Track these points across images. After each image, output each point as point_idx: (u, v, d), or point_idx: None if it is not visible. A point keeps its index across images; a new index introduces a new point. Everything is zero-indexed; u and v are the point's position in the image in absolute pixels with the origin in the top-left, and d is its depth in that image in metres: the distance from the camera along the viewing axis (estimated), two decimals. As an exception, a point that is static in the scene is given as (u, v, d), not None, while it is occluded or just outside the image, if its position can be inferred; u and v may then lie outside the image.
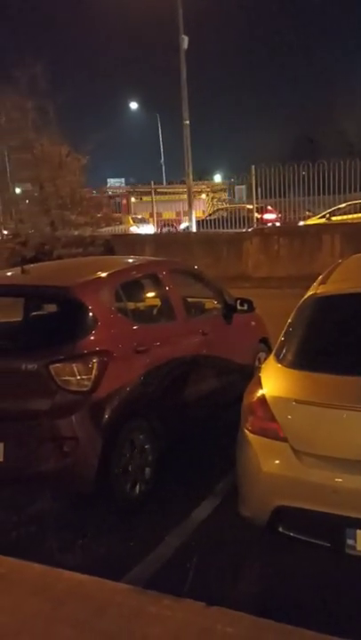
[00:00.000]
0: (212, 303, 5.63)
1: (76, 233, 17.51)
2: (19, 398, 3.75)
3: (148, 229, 20.92)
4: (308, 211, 18.49)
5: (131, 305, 4.58)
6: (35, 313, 5.06)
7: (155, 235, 19.29)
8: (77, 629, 2.60)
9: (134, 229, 22.52)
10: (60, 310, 4.33)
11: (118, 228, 20.83)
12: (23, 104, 17.26)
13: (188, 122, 19.09)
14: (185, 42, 18.25)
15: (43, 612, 2.73)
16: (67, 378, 3.66)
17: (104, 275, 4.34)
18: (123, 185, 25.75)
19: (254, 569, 3.31)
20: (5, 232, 19.36)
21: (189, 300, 5.42)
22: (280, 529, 2.98)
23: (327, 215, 17.39)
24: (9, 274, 4.96)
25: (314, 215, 18.29)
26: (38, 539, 3.69)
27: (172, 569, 3.27)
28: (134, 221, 23.69)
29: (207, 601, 2.76)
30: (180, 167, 20.78)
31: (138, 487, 3.98)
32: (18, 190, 20.17)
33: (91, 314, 3.91)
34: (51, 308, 4.86)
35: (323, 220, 17.19)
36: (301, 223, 17.86)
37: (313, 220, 17.71)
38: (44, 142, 17.27)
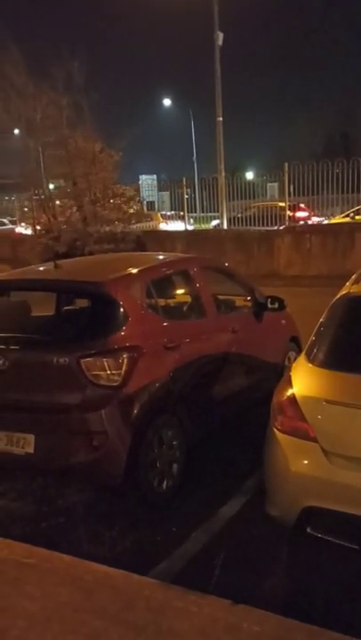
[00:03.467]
0: (243, 301, 5.61)
1: (107, 229, 17.63)
2: (50, 391, 3.80)
3: (178, 226, 20.93)
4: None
5: (161, 301, 4.60)
6: (66, 307, 5.12)
7: (186, 231, 19.29)
8: (105, 620, 2.64)
9: (163, 226, 22.56)
10: (91, 305, 4.37)
11: (148, 225, 20.90)
12: (59, 101, 17.44)
13: (221, 119, 19.01)
14: (220, 38, 18.16)
15: (72, 602, 2.77)
16: (97, 372, 3.70)
17: (135, 271, 4.36)
18: (155, 181, 25.75)
19: (282, 568, 3.30)
20: (38, 227, 19.61)
21: (220, 297, 5.42)
22: (308, 530, 2.97)
23: (351, 214, 17.16)
24: (42, 269, 5.04)
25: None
26: (67, 530, 3.75)
27: (199, 565, 3.28)
28: (163, 218, 23.73)
29: (233, 598, 2.76)
30: (213, 163, 20.74)
31: (165, 482, 4.00)
32: (51, 186, 20.39)
33: (122, 309, 3.94)
34: (82, 303, 4.91)
35: (347, 219, 16.97)
36: (326, 221, 17.67)
37: (337, 219, 17.50)
38: (78, 138, 17.41)
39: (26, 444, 3.77)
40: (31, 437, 3.77)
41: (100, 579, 2.95)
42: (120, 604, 2.76)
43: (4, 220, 31.80)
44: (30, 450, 3.75)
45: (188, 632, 2.57)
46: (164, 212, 24.20)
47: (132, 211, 18.70)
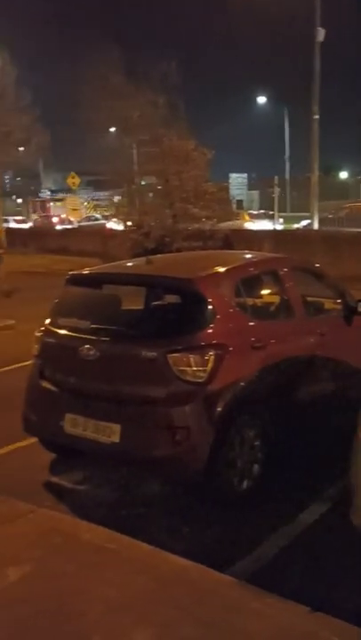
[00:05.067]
0: (333, 303, 5.46)
1: (196, 226, 17.77)
2: (136, 383, 3.89)
3: (265, 225, 20.74)
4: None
5: (250, 300, 4.58)
6: (155, 302, 5.20)
7: (274, 231, 19.09)
8: (179, 612, 2.66)
9: (249, 225, 22.45)
10: (180, 301, 4.42)
11: (235, 224, 20.88)
12: (155, 99, 17.79)
13: (317, 117, 18.60)
14: (321, 34, 17.75)
15: (148, 591, 2.83)
16: (183, 368, 3.74)
17: (226, 269, 4.37)
18: (245, 179, 25.67)
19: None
20: (129, 223, 20.09)
21: (309, 298, 5.31)
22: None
23: None
24: (134, 264, 5.15)
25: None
26: (146, 520, 3.82)
27: (276, 569, 3.24)
28: (250, 217, 23.61)
29: (311, 606, 2.70)
30: (305, 162, 20.35)
31: (245, 483, 3.98)
32: (142, 183, 20.84)
33: (210, 307, 3.96)
34: (171, 298, 4.97)
35: None
36: None
37: None
38: (172, 136, 17.67)
39: (112, 433, 3.88)
40: (117, 427, 3.87)
41: (177, 571, 2.99)
42: (195, 598, 2.78)
43: (97, 216, 32.92)
44: (116, 439, 3.86)
45: (262, 634, 2.54)
46: (251, 211, 24.11)
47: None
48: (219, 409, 3.77)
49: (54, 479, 4.48)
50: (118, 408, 3.93)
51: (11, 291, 12.84)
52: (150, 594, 2.82)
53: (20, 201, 45.64)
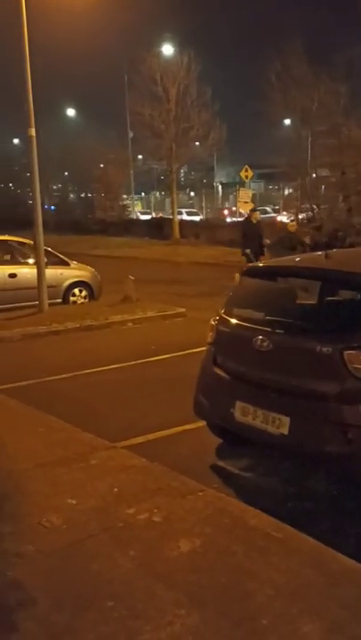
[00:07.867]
0: None
1: (372, 221, 16.96)
2: (308, 378, 3.86)
3: None
4: None
5: None
6: (330, 298, 5.09)
7: None
8: (349, 612, 2.61)
9: None
10: (359, 298, 4.28)
11: None
12: (337, 88, 17.23)
13: None
14: None
15: (315, 585, 2.81)
16: (359, 366, 3.63)
17: None
18: None
19: None
20: (301, 217, 19.79)
21: None
22: None
23: None
24: (310, 258, 5.09)
25: None
26: (312, 515, 3.80)
27: None
28: None
29: None
30: None
31: None
32: (313, 176, 20.36)
33: (393, 305, 3.78)
34: (348, 294, 4.83)
35: None
36: None
37: None
38: (352, 126, 16.99)
39: (281, 425, 3.90)
40: (286, 419, 3.89)
41: (346, 570, 2.93)
42: (365, 601, 2.70)
43: (267, 209, 32.85)
44: (285, 431, 3.88)
45: None
46: None
47: None
48: (396, 412, 3.60)
49: (221, 463, 4.64)
50: (289, 400, 3.94)
51: None
52: (319, 588, 2.79)
53: (192, 194, 47.32)
